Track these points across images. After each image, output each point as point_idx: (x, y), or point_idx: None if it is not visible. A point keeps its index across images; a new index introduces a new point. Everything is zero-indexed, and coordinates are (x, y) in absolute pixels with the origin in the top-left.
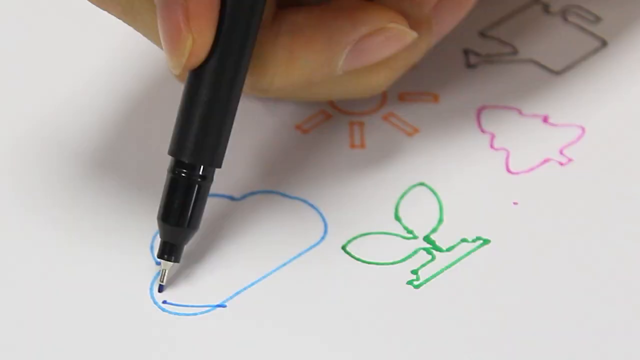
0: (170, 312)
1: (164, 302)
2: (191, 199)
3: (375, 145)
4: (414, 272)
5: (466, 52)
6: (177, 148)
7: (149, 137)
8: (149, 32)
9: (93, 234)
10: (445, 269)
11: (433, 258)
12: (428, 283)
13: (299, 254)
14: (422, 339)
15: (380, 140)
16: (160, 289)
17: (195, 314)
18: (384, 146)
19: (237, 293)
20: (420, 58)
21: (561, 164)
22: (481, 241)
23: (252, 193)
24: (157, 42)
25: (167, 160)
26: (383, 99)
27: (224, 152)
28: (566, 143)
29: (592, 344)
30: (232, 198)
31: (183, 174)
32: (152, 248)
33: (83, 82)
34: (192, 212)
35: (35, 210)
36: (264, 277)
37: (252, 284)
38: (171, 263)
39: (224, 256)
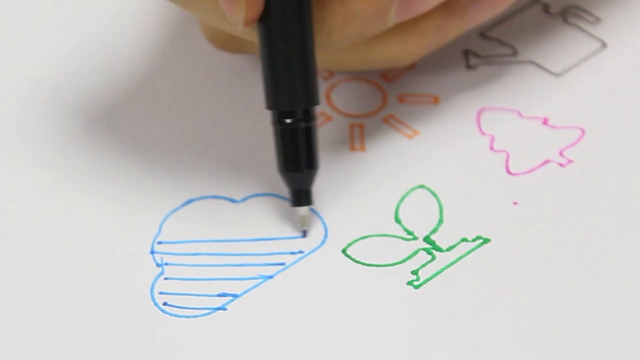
0: (170, 314)
1: (165, 303)
2: (304, 143)
3: (376, 147)
4: (414, 272)
5: (466, 53)
6: (274, 100)
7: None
8: (208, 13)
9: (93, 235)
10: (445, 269)
11: (433, 258)
12: (428, 283)
13: (300, 258)
14: (422, 339)
15: (381, 143)
16: (304, 234)
17: (195, 317)
18: (384, 148)
19: (238, 296)
20: (449, 41)
21: (561, 165)
22: (481, 240)
23: (253, 195)
24: (213, 19)
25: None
26: (383, 100)
27: (317, 88)
28: (566, 145)
29: (592, 344)
30: (232, 200)
31: (288, 123)
32: (152, 250)
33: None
34: (308, 154)
35: (35, 209)
36: (265, 280)
37: (253, 287)
38: (307, 207)
39: (224, 259)
